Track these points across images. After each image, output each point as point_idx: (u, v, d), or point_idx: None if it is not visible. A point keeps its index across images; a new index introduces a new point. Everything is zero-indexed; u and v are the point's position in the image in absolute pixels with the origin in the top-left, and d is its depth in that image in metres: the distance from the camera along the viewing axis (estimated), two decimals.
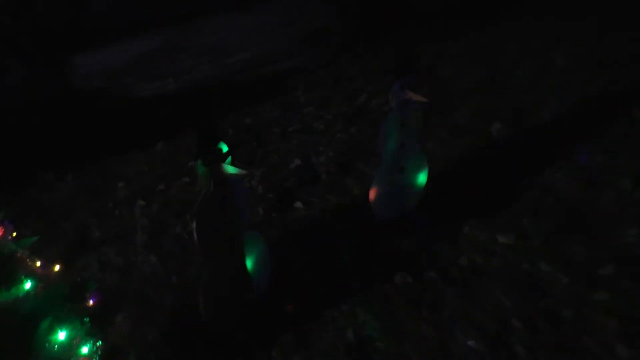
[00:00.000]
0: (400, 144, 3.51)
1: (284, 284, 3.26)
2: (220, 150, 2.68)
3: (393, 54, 6.20)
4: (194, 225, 2.65)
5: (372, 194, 3.83)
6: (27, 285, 2.17)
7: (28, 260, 2.28)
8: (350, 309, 3.08)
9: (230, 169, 2.64)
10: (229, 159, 2.72)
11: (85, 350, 2.30)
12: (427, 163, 3.67)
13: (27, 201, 4.45)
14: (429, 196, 3.76)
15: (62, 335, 2.23)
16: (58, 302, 2.31)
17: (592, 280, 2.99)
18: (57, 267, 2.38)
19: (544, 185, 3.81)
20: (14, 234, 2.26)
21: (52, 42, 6.68)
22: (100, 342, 2.39)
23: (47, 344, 2.21)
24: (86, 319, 2.35)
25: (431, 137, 4.68)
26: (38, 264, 2.31)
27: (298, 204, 4.19)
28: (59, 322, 2.26)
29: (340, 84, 6.55)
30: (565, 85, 5.19)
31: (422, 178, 3.69)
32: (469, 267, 3.26)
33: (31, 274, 2.23)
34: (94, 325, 2.39)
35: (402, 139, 3.49)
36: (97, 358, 2.35)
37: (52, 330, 2.24)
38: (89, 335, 2.35)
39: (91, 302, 2.48)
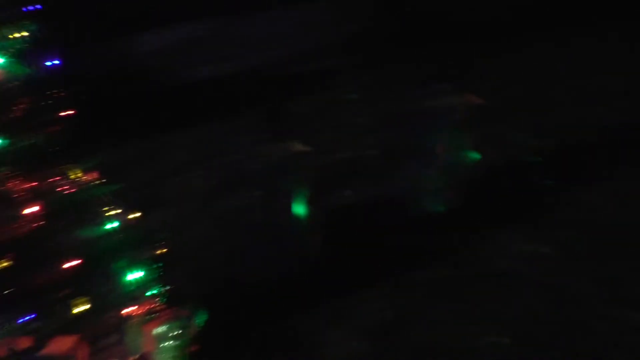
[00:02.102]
0: (442, 145, 3.57)
1: (329, 260, 3.44)
2: (286, 128, 2.89)
3: (441, 60, 6.27)
4: (265, 190, 2.85)
5: (419, 188, 3.99)
6: (110, 226, 2.41)
7: (111, 204, 2.52)
8: (391, 290, 3.23)
9: (295, 146, 2.83)
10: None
11: (150, 292, 2.53)
12: (467, 165, 3.74)
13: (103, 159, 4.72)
14: (472, 200, 3.86)
15: (134, 276, 2.47)
16: (133, 246, 2.54)
17: (633, 300, 3.00)
18: (134, 215, 2.62)
19: (582, 201, 3.88)
20: (103, 180, 2.50)
21: (119, 19, 7.03)
22: (164, 288, 2.62)
23: (121, 282, 2.46)
24: (155, 265, 2.59)
25: (473, 146, 4.73)
26: (119, 210, 2.55)
27: (347, 192, 4.36)
28: (132, 264, 2.51)
29: (389, 84, 6.67)
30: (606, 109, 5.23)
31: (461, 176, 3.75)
32: (506, 270, 3.35)
33: (113, 217, 2.47)
34: (161, 272, 2.63)
35: (443, 140, 3.56)
36: (162, 300, 2.58)
37: (126, 269, 2.48)
38: (156, 279, 2.58)
39: (159, 251, 2.71)
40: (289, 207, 3.17)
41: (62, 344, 2.42)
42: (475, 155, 3.90)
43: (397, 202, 4.20)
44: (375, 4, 8.96)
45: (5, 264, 2.30)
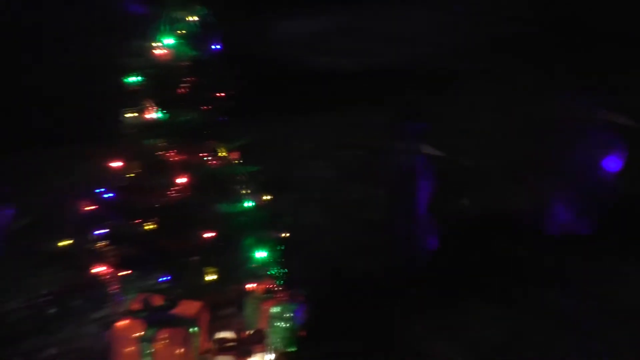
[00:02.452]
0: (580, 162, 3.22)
1: (441, 268, 3.38)
2: (420, 129, 2.86)
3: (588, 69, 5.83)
4: (382, 192, 2.87)
5: (544, 207, 3.79)
6: (244, 204, 2.55)
7: (248, 184, 2.66)
8: (502, 312, 3.12)
9: (427, 148, 2.81)
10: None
11: (271, 272, 2.65)
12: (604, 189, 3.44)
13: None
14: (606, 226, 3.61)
15: (260, 254, 2.60)
16: (261, 226, 2.67)
17: None
18: (265, 196, 2.74)
19: None
20: (243, 160, 2.65)
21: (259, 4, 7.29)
22: (283, 270, 2.72)
23: (247, 259, 2.59)
24: (277, 247, 2.70)
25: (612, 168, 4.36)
26: (253, 190, 2.69)
27: (465, 200, 4.26)
28: (258, 243, 2.63)
29: (519, 93, 6.37)
30: None
31: None
32: (631, 307, 3.11)
33: (248, 196, 2.61)
34: (282, 254, 2.73)
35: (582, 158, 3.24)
36: (280, 282, 2.69)
37: (253, 247, 2.61)
38: (276, 261, 2.69)
39: (283, 234, 2.82)
40: (406, 209, 3.14)
41: (188, 307, 2.60)
42: (610, 178, 3.62)
43: (519, 217, 4.03)
44: (518, 5, 8.53)
45: (150, 226, 2.51)
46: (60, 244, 2.67)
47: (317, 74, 6.78)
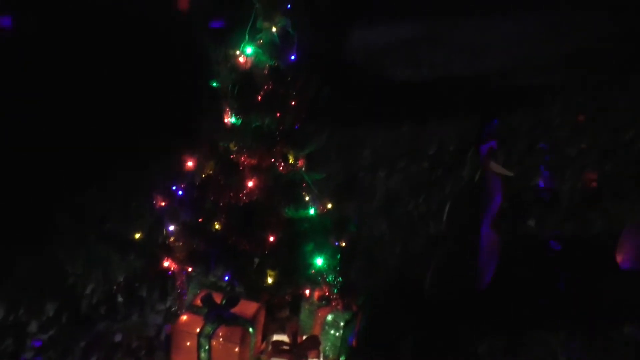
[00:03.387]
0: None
1: (503, 288, 3.29)
2: (494, 146, 2.81)
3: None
4: (448, 205, 2.84)
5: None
6: (312, 211, 2.60)
7: (313, 191, 2.71)
8: (567, 338, 3.00)
9: (497, 168, 2.75)
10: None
11: (329, 278, 2.67)
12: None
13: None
14: None
15: (319, 261, 2.63)
16: (322, 233, 2.71)
17: None
18: (329, 204, 2.78)
19: None
20: (309, 167, 2.70)
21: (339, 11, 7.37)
22: (340, 278, 2.74)
23: (306, 264, 2.63)
24: (338, 255, 2.72)
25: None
26: (318, 197, 2.73)
27: (531, 222, 4.13)
28: (318, 249, 2.66)
29: (604, 112, 6.10)
30: None
31: None
32: None
33: (312, 203, 2.66)
34: (340, 263, 2.75)
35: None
36: (336, 290, 2.71)
37: (312, 254, 2.65)
38: (335, 269, 2.71)
39: (342, 243, 2.85)
40: (470, 225, 3.08)
41: (246, 307, 2.68)
42: None
43: (590, 245, 3.86)
44: (606, 18, 8.16)
45: (217, 225, 2.61)
46: (135, 235, 2.82)
47: (394, 83, 6.77)
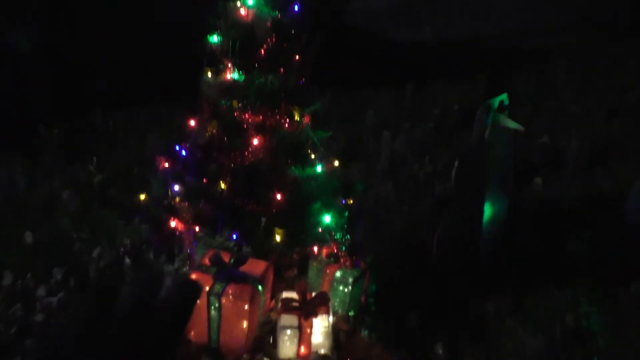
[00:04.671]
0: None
1: (508, 250, 3.28)
2: (503, 102, 2.75)
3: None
4: (457, 164, 2.80)
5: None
6: (319, 168, 2.57)
7: (319, 150, 2.68)
8: (574, 296, 3.00)
9: (509, 123, 2.70)
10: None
11: (337, 236, 2.66)
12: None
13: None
14: None
15: (327, 219, 2.61)
16: (329, 192, 2.68)
17: None
18: (336, 163, 2.75)
19: None
20: (316, 125, 2.66)
21: None
22: (348, 237, 2.73)
23: (314, 223, 2.62)
24: (346, 213, 2.71)
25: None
26: (324, 156, 2.70)
27: (537, 180, 4.10)
28: (326, 208, 2.65)
29: (612, 71, 6.00)
30: None
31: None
32: None
33: (319, 161, 2.62)
34: (348, 222, 2.74)
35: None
36: (344, 247, 2.70)
37: (320, 212, 2.63)
38: (342, 227, 2.70)
39: (351, 201, 2.83)
40: (479, 186, 3.05)
41: (255, 266, 2.68)
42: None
43: (596, 203, 3.84)
44: None
45: (223, 186, 2.58)
46: (140, 197, 2.79)
47: (396, 45, 6.64)
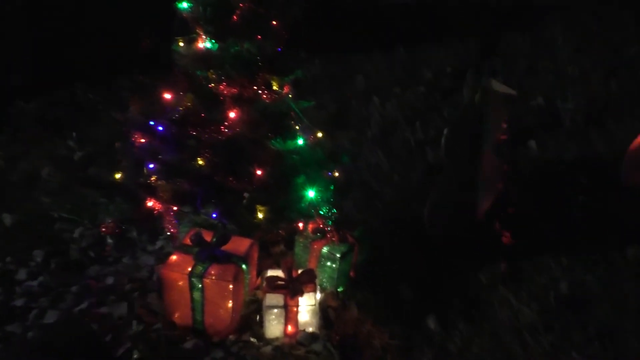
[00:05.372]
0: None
1: (503, 215, 3.18)
2: (494, 65, 2.61)
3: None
4: (446, 132, 2.68)
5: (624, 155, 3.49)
6: (300, 141, 2.44)
7: (301, 120, 2.54)
8: (569, 262, 2.93)
9: (500, 87, 2.56)
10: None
11: (323, 211, 2.55)
12: None
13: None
14: None
15: (311, 194, 2.50)
16: (313, 164, 2.57)
17: None
18: (320, 134, 2.62)
19: None
20: (297, 95, 2.51)
21: None
22: (335, 210, 2.62)
23: (298, 198, 2.50)
24: (332, 186, 2.59)
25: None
26: (307, 126, 2.57)
27: (532, 143, 3.98)
28: (310, 182, 2.53)
29: (607, 30, 5.81)
30: None
31: None
32: None
33: (301, 133, 2.49)
34: (335, 194, 2.63)
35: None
36: (330, 222, 2.60)
37: (304, 186, 2.51)
38: (329, 200, 2.59)
39: (337, 173, 2.71)
40: (471, 152, 2.93)
41: (238, 244, 2.58)
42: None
43: (592, 165, 3.74)
44: None
45: (201, 162, 2.46)
46: (116, 176, 2.67)
47: (387, 6, 6.39)
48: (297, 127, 2.48)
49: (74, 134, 4.16)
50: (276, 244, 2.97)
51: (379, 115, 4.30)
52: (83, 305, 2.69)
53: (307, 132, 2.57)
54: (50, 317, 2.65)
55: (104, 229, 3.17)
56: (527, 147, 3.97)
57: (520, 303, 2.68)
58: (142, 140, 2.54)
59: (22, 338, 2.54)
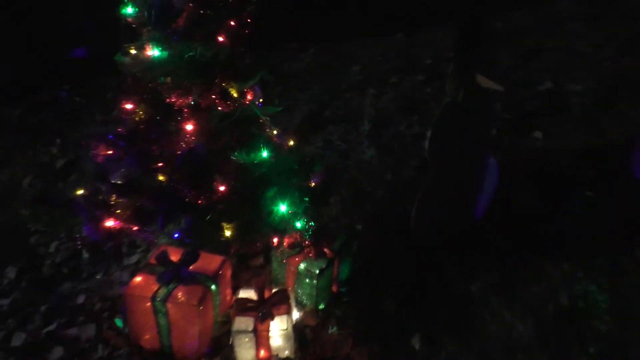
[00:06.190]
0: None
1: (499, 215, 2.95)
2: (478, 56, 2.35)
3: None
4: (429, 133, 2.45)
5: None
6: (264, 153, 2.23)
7: (268, 128, 2.34)
8: (570, 269, 2.69)
9: (485, 81, 2.32)
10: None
11: (298, 225, 2.35)
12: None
13: (268, 66, 4.64)
14: None
15: (282, 208, 2.30)
16: (285, 175, 2.36)
17: None
18: (291, 142, 2.42)
19: None
20: (261, 100, 2.31)
21: None
22: (313, 223, 2.42)
23: (269, 212, 2.31)
24: (306, 198, 2.39)
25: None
26: (275, 132, 2.37)
27: (537, 134, 3.71)
28: (282, 194, 2.33)
29: (621, 1, 5.43)
30: None
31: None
32: None
33: (268, 142, 2.29)
34: (311, 204, 2.42)
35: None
36: (307, 236, 2.40)
37: (275, 200, 2.31)
38: (305, 212, 2.39)
39: (313, 183, 2.50)
40: (456, 152, 2.70)
41: (208, 261, 2.42)
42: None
43: (602, 154, 3.46)
44: None
45: (161, 177, 2.28)
46: (77, 192, 2.51)
47: None
48: (264, 137, 2.27)
49: (58, 140, 4.03)
50: (255, 256, 2.80)
51: (373, 108, 4.06)
52: (51, 327, 2.58)
53: (279, 139, 2.37)
54: (17, 339, 2.53)
55: (79, 242, 3.04)
56: (532, 138, 3.70)
57: (514, 317, 2.46)
58: (102, 153, 2.36)
59: None
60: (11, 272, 2.92)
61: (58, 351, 2.43)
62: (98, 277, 2.86)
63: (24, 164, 3.83)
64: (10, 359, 2.44)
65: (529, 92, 4.20)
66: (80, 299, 2.70)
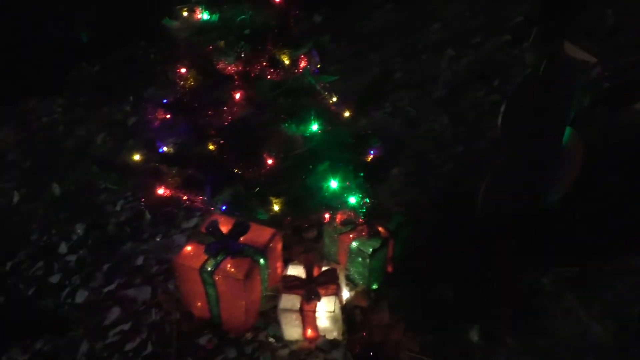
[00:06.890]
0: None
1: (582, 200, 2.63)
2: (568, 19, 2.03)
3: None
4: (503, 107, 2.18)
5: None
6: (315, 127, 2.09)
7: (324, 97, 2.18)
8: None
9: (575, 51, 2.00)
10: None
11: (352, 201, 2.21)
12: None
13: (342, 24, 4.39)
14: None
15: (334, 184, 2.17)
16: (339, 149, 2.22)
17: None
18: (347, 113, 2.25)
19: None
20: (318, 66, 2.15)
21: None
22: (368, 200, 2.26)
23: (319, 188, 2.18)
24: (361, 173, 2.23)
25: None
26: (334, 100, 2.20)
27: (638, 106, 3.26)
28: (335, 169, 2.19)
29: None
30: None
31: None
32: None
33: (321, 113, 2.13)
34: (367, 180, 2.26)
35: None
36: (362, 214, 2.26)
37: (327, 175, 2.18)
38: (359, 188, 2.24)
39: (370, 156, 2.34)
40: (534, 129, 2.40)
41: (259, 234, 2.36)
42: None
43: None
44: None
45: (211, 146, 2.21)
46: (134, 157, 2.51)
47: None
48: (316, 108, 2.12)
49: (131, 97, 4.10)
50: (309, 229, 2.71)
51: (450, 72, 3.75)
52: (111, 287, 2.65)
53: (337, 108, 2.21)
54: (80, 296, 2.64)
55: (142, 203, 3.10)
56: (631, 110, 3.26)
57: (590, 317, 2.20)
58: (157, 119, 2.32)
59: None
60: (80, 229, 3.03)
61: (115, 312, 2.49)
62: (158, 239, 2.90)
63: (99, 121, 3.94)
64: (74, 315, 2.55)
65: (636, 57, 3.69)
66: (140, 260, 2.75)
